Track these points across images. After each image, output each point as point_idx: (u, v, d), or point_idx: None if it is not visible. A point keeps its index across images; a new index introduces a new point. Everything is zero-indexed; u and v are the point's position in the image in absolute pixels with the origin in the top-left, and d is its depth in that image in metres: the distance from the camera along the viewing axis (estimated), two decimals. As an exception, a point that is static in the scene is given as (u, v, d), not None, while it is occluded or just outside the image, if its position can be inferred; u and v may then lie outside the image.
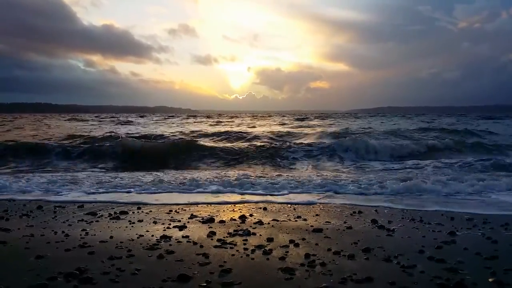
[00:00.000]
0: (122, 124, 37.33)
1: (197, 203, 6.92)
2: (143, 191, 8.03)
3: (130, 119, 49.93)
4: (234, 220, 5.55)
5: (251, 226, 5.13)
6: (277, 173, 10.85)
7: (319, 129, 26.43)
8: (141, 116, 66.83)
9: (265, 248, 4.11)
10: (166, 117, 58.84)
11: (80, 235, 4.66)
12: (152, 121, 43.95)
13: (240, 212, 6.17)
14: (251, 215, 5.85)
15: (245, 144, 17.48)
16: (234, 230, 4.89)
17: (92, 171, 12.11)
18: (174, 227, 5.09)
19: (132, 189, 8.20)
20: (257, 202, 7.06)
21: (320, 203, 7.01)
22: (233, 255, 3.91)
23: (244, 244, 4.30)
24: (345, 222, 5.44)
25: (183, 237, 4.58)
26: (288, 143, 17.73)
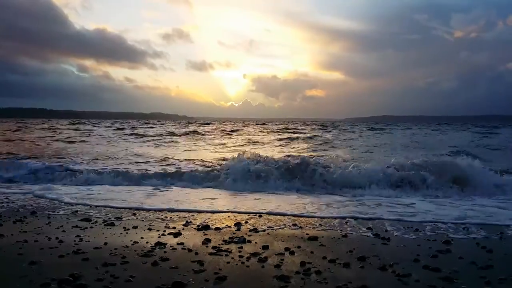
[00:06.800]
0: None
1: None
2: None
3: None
4: (229, 227, 5.54)
5: (246, 234, 5.12)
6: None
7: None
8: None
9: (261, 256, 4.09)
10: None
11: (74, 241, 4.62)
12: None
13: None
14: (246, 222, 5.84)
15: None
16: (229, 238, 4.87)
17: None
18: (169, 234, 5.06)
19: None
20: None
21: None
22: (228, 262, 3.90)
23: (240, 251, 4.29)
24: (340, 231, 5.44)
25: (178, 244, 4.56)
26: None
